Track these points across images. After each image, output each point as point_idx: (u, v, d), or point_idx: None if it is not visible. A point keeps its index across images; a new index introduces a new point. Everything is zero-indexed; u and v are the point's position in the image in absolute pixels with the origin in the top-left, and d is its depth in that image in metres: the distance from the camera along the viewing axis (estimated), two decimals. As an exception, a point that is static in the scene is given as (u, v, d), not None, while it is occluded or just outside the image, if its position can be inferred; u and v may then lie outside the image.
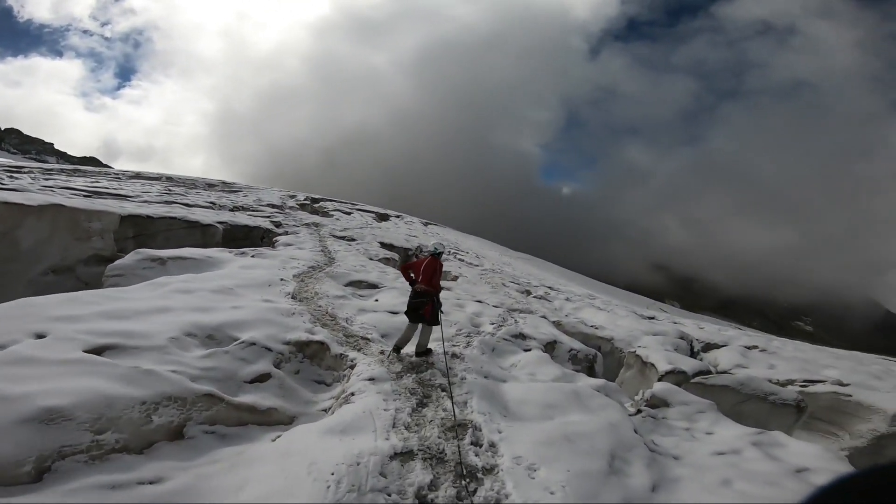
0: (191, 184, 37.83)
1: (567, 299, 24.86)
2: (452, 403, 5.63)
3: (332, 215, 39.26)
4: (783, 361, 15.12)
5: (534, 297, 24.60)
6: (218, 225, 18.65)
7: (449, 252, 35.43)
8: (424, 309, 7.06)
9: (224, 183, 43.60)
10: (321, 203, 46.53)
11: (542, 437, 4.96)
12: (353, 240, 24.35)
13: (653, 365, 11.27)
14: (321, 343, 7.34)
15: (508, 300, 18.29)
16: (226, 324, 7.16)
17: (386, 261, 20.89)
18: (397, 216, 53.09)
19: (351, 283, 12.52)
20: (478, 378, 6.60)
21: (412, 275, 7.54)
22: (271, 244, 18.48)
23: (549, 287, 31.54)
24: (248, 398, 6.03)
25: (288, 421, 6.26)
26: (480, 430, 5.11)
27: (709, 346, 19.03)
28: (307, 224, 26.70)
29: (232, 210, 25.54)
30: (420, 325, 7.32)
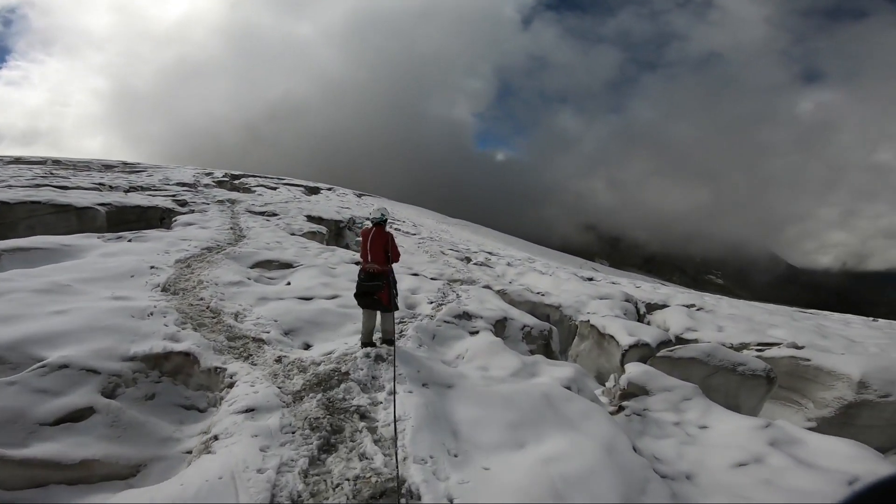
0: (83, 166, 32.56)
1: (508, 264, 23.40)
2: (396, 454, 3.49)
3: (255, 191, 35.53)
4: (728, 321, 14.29)
5: (474, 263, 22.89)
6: (99, 207, 15.09)
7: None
8: (379, 294, 5.61)
9: (125, 164, 38.31)
10: (242, 179, 42.39)
11: (520, 499, 3.03)
12: (275, 215, 21.35)
13: (612, 337, 9.76)
14: (186, 354, 4.97)
15: (448, 270, 16.34)
16: (30, 338, 4.57)
17: (311, 235, 18.23)
18: (329, 189, 49.47)
19: (258, 265, 9.96)
20: (414, 390, 4.51)
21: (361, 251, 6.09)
22: (170, 225, 15.36)
23: (489, 252, 30.09)
24: (46, 448, 3.66)
25: (129, 473, 3.93)
26: (420, 499, 3.09)
27: (651, 307, 18.31)
28: (221, 201, 23.26)
29: (127, 191, 21.66)
30: (378, 313, 5.92)
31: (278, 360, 5.09)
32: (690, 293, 26.00)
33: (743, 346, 12.29)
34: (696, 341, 11.89)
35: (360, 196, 53.34)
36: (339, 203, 39.10)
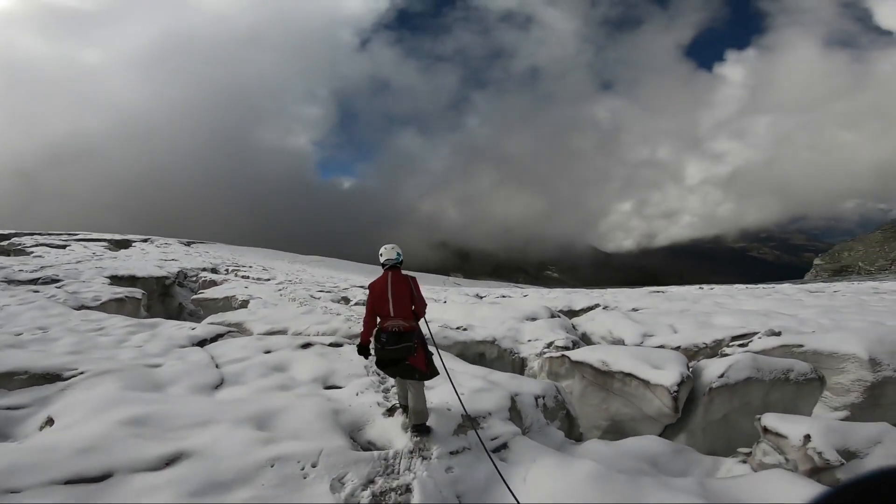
0: None
1: (393, 298, 19.67)
2: None
3: (31, 253, 26.01)
4: (672, 319, 12.62)
5: (356, 304, 18.68)
6: None
7: (227, 270, 26.45)
8: (412, 358, 3.88)
9: None
10: (12, 240, 31.57)
11: None
12: (56, 281, 14.22)
13: (631, 376, 6.61)
14: None
15: (336, 322, 11.78)
16: None
17: (118, 304, 12.06)
18: (144, 240, 39.70)
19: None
20: None
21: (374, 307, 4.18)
22: None
23: (363, 287, 25.98)
24: None
25: None
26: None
27: (566, 315, 16.34)
28: (-43, 272, 15.18)
29: None
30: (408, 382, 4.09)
31: None
32: (578, 292, 25.19)
33: (718, 344, 10.47)
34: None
35: (188, 244, 44.25)
36: (159, 255, 30.90)
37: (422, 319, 4.20)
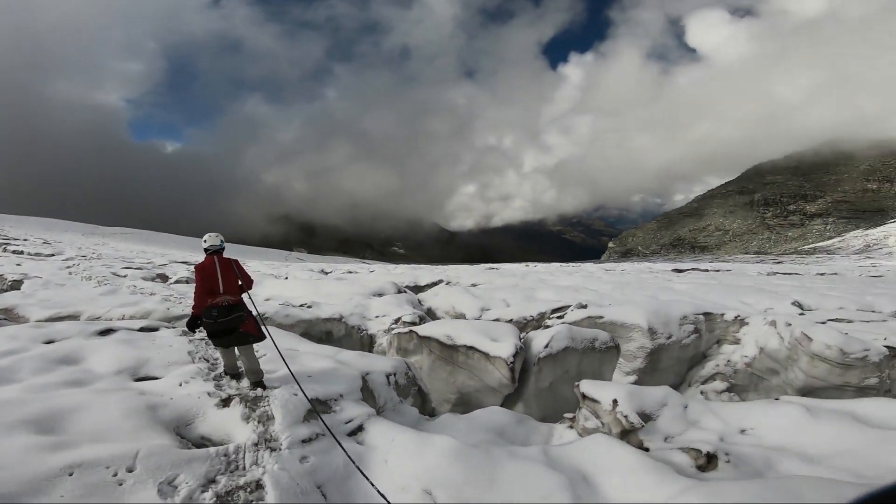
0: None
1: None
2: None
3: None
4: (505, 293, 13.78)
5: (176, 282, 16.32)
6: None
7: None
8: (244, 325, 4.35)
9: None
10: None
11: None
12: None
13: (473, 349, 6.99)
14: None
15: (150, 303, 9.98)
16: None
17: None
18: None
19: None
20: None
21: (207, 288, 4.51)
22: None
23: (184, 263, 22.84)
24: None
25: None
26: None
27: (415, 290, 16.81)
28: None
29: None
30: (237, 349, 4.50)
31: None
32: (423, 268, 25.99)
33: (543, 316, 11.74)
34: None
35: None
36: None
37: (245, 295, 4.59)
